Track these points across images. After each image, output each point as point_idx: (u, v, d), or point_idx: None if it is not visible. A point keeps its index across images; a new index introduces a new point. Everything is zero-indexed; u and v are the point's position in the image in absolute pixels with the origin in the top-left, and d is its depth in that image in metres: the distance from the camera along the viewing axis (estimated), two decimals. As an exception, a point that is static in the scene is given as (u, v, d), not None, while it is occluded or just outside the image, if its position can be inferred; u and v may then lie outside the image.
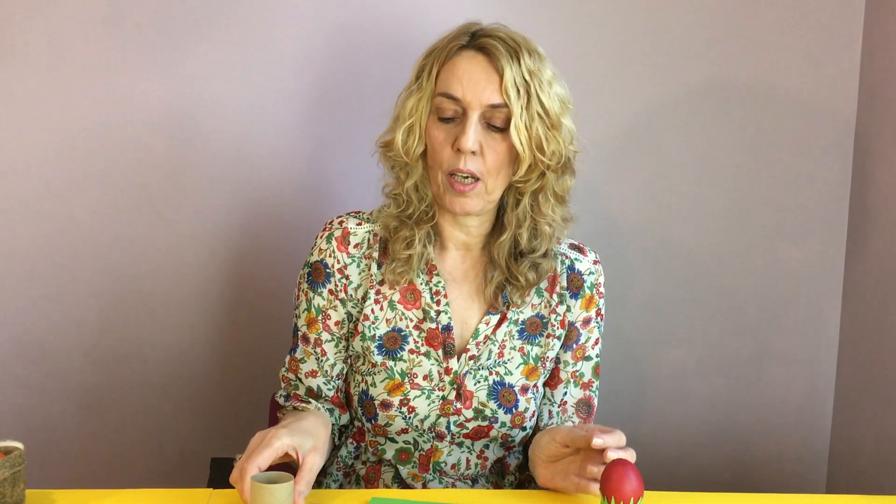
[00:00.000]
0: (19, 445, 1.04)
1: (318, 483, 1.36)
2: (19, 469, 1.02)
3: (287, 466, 1.31)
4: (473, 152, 1.24)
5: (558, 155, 1.27)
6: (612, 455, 1.11)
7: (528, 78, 1.24)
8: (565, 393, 1.40)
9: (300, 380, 1.36)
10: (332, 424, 1.35)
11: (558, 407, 1.40)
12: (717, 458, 1.93)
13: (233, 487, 1.14)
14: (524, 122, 1.24)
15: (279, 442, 1.13)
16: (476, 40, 1.28)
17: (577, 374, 1.40)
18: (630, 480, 1.05)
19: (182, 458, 1.82)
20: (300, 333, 1.36)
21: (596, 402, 1.43)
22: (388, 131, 1.34)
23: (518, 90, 1.24)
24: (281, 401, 1.38)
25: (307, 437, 1.17)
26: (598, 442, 1.12)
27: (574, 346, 1.39)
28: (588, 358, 1.41)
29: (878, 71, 1.79)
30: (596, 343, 1.42)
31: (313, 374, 1.35)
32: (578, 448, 1.20)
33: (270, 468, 1.12)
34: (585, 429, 1.17)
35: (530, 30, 1.32)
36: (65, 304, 1.75)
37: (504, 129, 1.25)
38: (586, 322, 1.40)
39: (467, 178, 1.26)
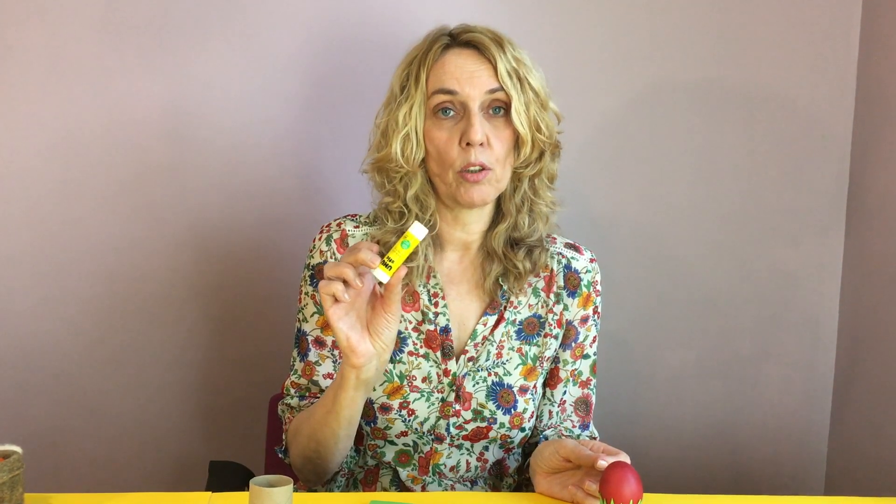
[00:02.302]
0: (18, 449, 1.03)
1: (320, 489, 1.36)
2: (18, 473, 1.02)
3: (286, 472, 1.31)
4: (482, 144, 1.26)
5: (552, 134, 1.32)
6: (602, 463, 1.11)
7: (516, 65, 1.29)
8: (564, 392, 1.40)
9: (316, 383, 1.34)
10: None
11: (558, 406, 1.40)
12: (716, 461, 1.93)
13: (231, 490, 1.14)
14: (523, 106, 1.28)
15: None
16: (458, 38, 1.31)
17: (576, 372, 1.41)
18: (629, 483, 1.05)
19: (180, 461, 1.81)
20: (311, 338, 1.34)
21: (594, 400, 1.43)
22: (375, 148, 1.34)
23: (511, 77, 1.28)
24: (294, 402, 1.34)
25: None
26: (602, 465, 1.12)
27: (573, 344, 1.40)
28: (586, 356, 1.42)
29: (875, 73, 1.79)
30: (594, 341, 1.42)
31: (330, 376, 1.34)
32: (581, 465, 1.20)
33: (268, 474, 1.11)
34: (591, 447, 1.17)
35: (528, 29, 1.32)
36: (63, 307, 1.75)
37: (504, 116, 1.29)
38: (584, 320, 1.40)
39: (477, 168, 1.27)
